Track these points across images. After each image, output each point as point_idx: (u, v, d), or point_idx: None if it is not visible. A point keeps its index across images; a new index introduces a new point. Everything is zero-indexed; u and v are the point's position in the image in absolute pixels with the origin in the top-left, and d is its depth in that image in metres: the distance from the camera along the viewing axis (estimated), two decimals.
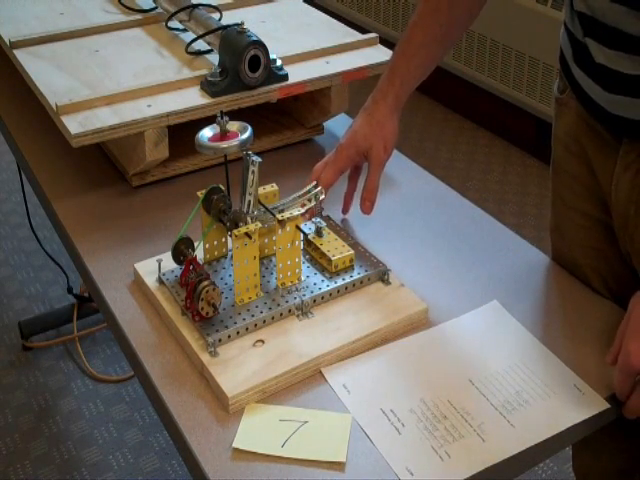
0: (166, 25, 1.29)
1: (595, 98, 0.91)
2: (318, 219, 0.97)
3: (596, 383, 0.82)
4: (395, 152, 1.26)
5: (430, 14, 1.02)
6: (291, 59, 1.18)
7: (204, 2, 1.29)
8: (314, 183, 0.98)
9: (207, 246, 0.94)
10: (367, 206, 1.03)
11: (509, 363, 0.85)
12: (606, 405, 0.80)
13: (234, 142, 0.88)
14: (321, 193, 0.96)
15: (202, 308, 0.84)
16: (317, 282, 0.91)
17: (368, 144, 1.02)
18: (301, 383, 0.83)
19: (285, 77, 1.13)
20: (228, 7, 1.38)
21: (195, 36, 1.21)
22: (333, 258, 0.92)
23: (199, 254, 0.91)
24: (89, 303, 2.07)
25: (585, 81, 0.92)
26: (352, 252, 0.94)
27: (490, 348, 0.87)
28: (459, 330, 0.90)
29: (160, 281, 0.92)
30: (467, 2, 1.02)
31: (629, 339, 0.78)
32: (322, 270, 0.93)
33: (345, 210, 1.07)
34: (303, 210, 0.92)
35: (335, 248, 0.94)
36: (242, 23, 1.10)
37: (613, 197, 0.94)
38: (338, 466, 0.74)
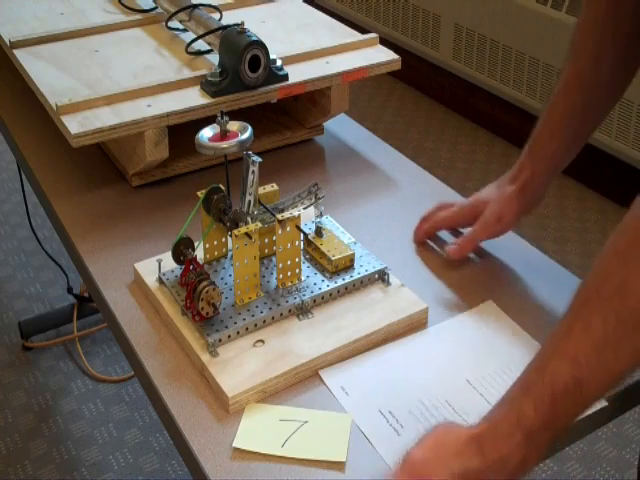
0: (166, 25, 1.29)
1: None
2: (318, 219, 0.97)
3: None
4: (395, 152, 1.26)
5: (573, 82, 0.92)
6: (291, 59, 1.18)
7: (204, 2, 1.29)
8: (314, 182, 0.98)
9: (207, 246, 0.94)
10: (452, 249, 0.98)
11: (506, 362, 0.85)
12: (604, 403, 0.80)
13: (234, 142, 0.88)
14: (321, 193, 0.96)
15: (202, 308, 0.84)
16: (317, 282, 0.91)
17: (483, 207, 0.98)
18: (301, 383, 0.83)
19: (285, 77, 1.13)
20: (228, 7, 1.38)
21: (195, 36, 1.21)
22: (333, 258, 0.92)
23: (199, 254, 0.91)
24: (89, 303, 2.08)
25: None
26: (352, 252, 0.94)
27: (486, 348, 0.87)
28: (456, 330, 0.90)
29: (160, 281, 0.92)
30: (609, 76, 0.91)
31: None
32: (322, 270, 0.93)
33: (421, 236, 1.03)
34: None
35: (335, 248, 0.94)
36: (242, 23, 1.10)
37: None
38: (338, 466, 0.74)
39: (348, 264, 0.93)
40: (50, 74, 1.17)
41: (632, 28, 0.89)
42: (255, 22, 1.30)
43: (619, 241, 0.63)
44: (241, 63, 1.08)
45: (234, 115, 0.95)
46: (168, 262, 0.91)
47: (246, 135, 0.89)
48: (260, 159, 0.88)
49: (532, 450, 0.65)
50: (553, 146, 0.95)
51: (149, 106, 1.07)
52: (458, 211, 1.02)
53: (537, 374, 0.65)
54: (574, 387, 0.62)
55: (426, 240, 1.04)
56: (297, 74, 1.14)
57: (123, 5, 1.39)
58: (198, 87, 1.12)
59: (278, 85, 1.13)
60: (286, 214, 0.88)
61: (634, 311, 0.60)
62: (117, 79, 1.15)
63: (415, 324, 0.90)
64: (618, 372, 0.62)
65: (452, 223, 1.03)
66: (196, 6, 1.25)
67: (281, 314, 0.88)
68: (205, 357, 0.83)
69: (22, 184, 1.95)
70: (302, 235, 0.92)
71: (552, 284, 0.97)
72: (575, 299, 0.65)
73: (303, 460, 0.75)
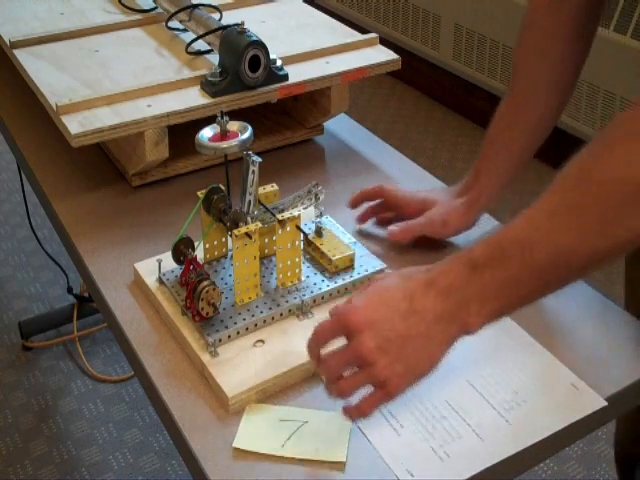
0: (166, 25, 1.29)
1: None
2: (318, 219, 0.97)
3: (593, 381, 0.82)
4: (395, 152, 1.26)
5: (511, 105, 1.01)
6: (291, 59, 1.18)
7: (204, 2, 1.30)
8: (314, 182, 0.98)
9: (207, 246, 0.94)
10: (394, 230, 0.99)
11: (506, 362, 0.85)
12: (603, 403, 0.80)
13: (234, 142, 0.88)
14: (321, 193, 0.96)
15: (202, 308, 0.84)
16: (317, 282, 0.91)
17: (430, 206, 1.00)
18: (301, 383, 0.83)
19: (285, 77, 1.13)
20: (228, 7, 1.38)
21: (195, 36, 1.21)
22: (333, 258, 0.92)
23: (199, 254, 0.91)
24: (89, 303, 2.08)
25: None
26: (352, 252, 0.94)
27: (486, 347, 0.87)
28: None
29: (160, 281, 0.92)
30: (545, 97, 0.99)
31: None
32: (322, 270, 0.93)
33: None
34: None
35: (335, 248, 0.94)
36: (242, 23, 1.10)
37: None
38: (338, 466, 0.74)
39: (348, 264, 0.93)
40: (50, 74, 1.17)
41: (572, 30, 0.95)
42: (255, 22, 1.30)
43: (593, 140, 0.69)
44: (241, 63, 1.08)
45: (234, 115, 0.95)
46: (168, 262, 0.91)
47: (246, 135, 0.89)
48: (260, 159, 0.88)
49: (474, 286, 0.69)
50: (497, 166, 1.01)
51: (149, 106, 1.07)
52: (406, 198, 1.02)
53: (496, 231, 0.71)
54: (520, 244, 0.68)
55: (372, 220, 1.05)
56: (297, 74, 1.15)
57: (123, 5, 1.39)
58: (198, 87, 1.12)
59: (278, 85, 1.13)
60: (286, 214, 0.88)
61: (585, 194, 0.66)
62: (117, 79, 1.15)
63: None
64: (566, 247, 0.66)
65: (398, 205, 1.03)
66: (196, 6, 1.26)
67: (281, 314, 0.88)
68: (205, 357, 0.83)
69: (22, 184, 1.95)
70: (302, 235, 0.92)
71: None
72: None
73: (303, 460, 0.75)
